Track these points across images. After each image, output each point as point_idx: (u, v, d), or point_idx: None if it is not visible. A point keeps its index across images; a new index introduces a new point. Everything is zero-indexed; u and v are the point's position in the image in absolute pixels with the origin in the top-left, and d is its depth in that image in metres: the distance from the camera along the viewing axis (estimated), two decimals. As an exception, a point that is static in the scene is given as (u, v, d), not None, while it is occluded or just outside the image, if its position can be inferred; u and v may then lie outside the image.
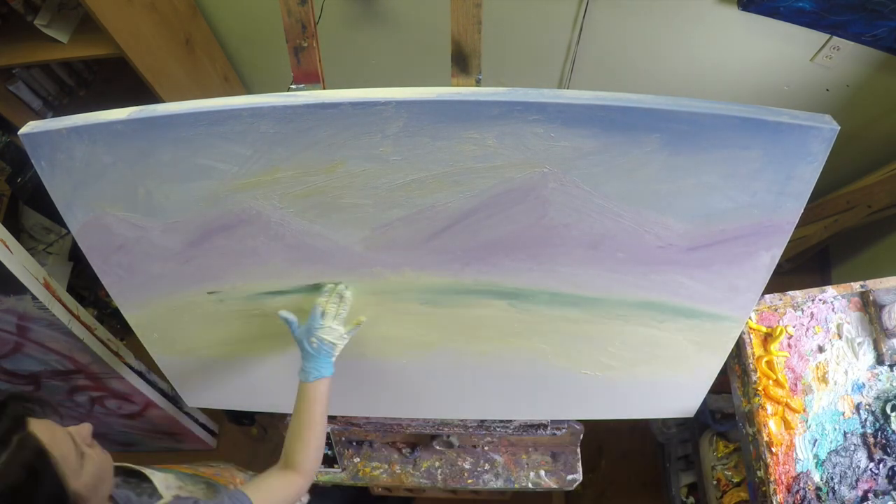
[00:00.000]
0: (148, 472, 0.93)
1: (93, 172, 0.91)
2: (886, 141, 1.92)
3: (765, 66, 1.80)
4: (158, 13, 1.71)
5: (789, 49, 1.72)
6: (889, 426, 1.24)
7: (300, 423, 1.01)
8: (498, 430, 1.47)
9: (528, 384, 1.23)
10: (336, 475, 1.54)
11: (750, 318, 1.29)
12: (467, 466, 1.54)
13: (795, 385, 1.26)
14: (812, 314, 1.31)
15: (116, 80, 2.04)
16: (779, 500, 1.18)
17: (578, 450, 1.53)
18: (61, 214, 0.98)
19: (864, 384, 1.28)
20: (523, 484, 1.51)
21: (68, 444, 0.73)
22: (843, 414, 1.26)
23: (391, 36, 1.96)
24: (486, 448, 1.55)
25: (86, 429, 0.78)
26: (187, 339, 1.20)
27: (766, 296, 1.31)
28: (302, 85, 0.97)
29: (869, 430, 1.25)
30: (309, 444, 1.00)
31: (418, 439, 1.54)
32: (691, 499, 1.84)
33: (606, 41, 1.84)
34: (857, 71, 1.74)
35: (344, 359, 1.21)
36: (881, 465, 1.23)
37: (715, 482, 1.65)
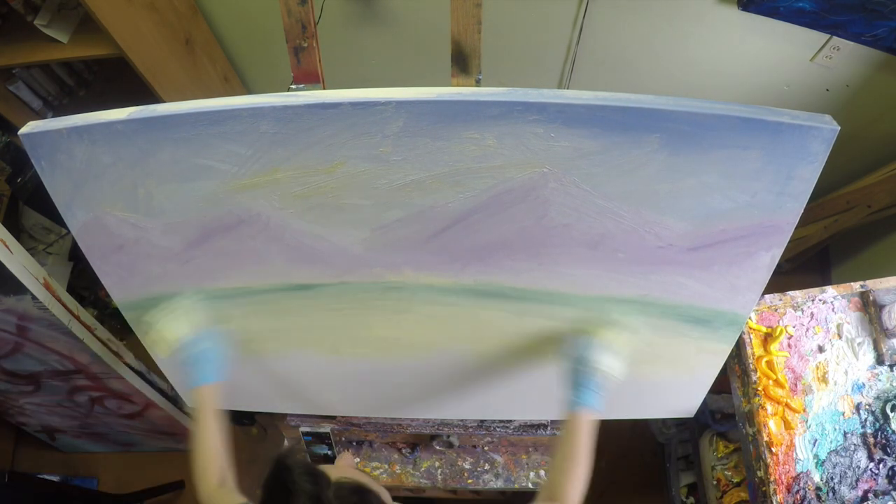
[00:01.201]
0: None
1: (93, 172, 0.91)
2: (886, 141, 1.92)
3: (765, 66, 1.80)
4: (158, 13, 1.71)
5: (789, 49, 1.72)
6: (889, 426, 1.24)
7: (568, 454, 0.94)
8: (498, 430, 1.47)
9: (529, 384, 1.23)
10: (336, 475, 1.54)
11: (750, 318, 1.29)
12: (467, 466, 1.54)
13: (795, 385, 1.26)
14: (812, 314, 1.31)
15: (116, 80, 2.04)
16: (779, 500, 1.18)
17: (578, 450, 1.53)
18: (61, 214, 0.98)
19: (864, 384, 1.28)
20: (523, 484, 1.51)
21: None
22: (843, 414, 1.26)
23: (391, 36, 1.96)
24: (486, 448, 1.55)
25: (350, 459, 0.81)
26: (187, 340, 1.20)
27: (766, 296, 1.31)
28: (302, 85, 0.97)
29: (869, 430, 1.25)
30: (577, 477, 0.93)
31: (418, 439, 1.54)
32: (691, 499, 1.84)
33: (606, 41, 1.84)
34: (857, 71, 1.74)
35: (344, 359, 1.21)
36: (881, 465, 1.23)
37: (715, 482, 1.65)
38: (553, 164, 0.85)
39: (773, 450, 1.21)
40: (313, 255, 1.01)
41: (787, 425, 1.23)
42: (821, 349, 1.29)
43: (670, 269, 0.98)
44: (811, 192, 0.86)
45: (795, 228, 0.91)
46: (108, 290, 1.10)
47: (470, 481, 1.52)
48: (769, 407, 1.24)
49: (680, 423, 1.93)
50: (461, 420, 1.48)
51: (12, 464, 2.31)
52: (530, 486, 1.51)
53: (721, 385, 1.28)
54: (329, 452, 1.49)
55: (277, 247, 1.00)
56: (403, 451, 1.56)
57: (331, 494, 0.70)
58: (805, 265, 2.31)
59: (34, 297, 1.32)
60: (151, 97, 1.78)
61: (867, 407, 1.26)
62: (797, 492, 1.19)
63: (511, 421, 1.47)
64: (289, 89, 0.95)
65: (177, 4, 1.80)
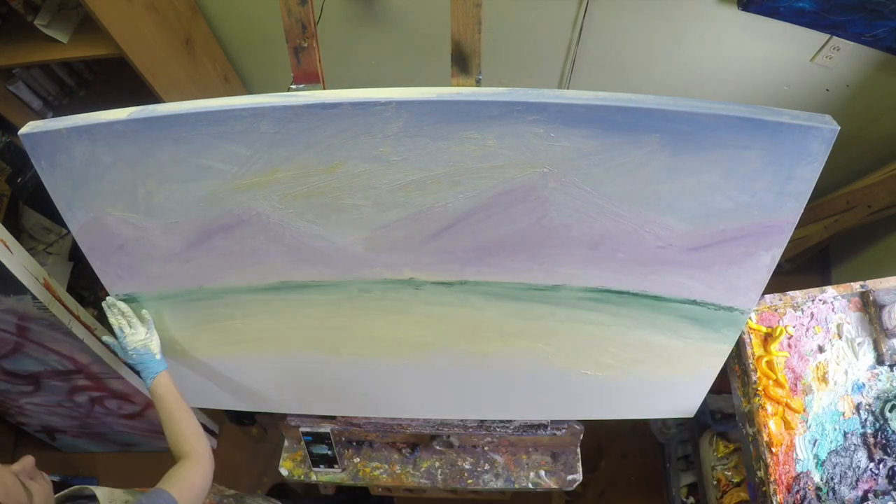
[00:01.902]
0: (95, 489, 0.95)
1: (93, 172, 0.91)
2: (886, 141, 1.92)
3: (765, 66, 1.80)
4: (158, 13, 1.71)
5: (789, 49, 1.72)
6: (889, 426, 1.24)
7: (165, 419, 1.07)
8: (498, 430, 1.47)
9: (528, 384, 1.23)
10: (336, 475, 1.54)
11: (750, 318, 1.29)
12: (467, 466, 1.54)
13: (795, 385, 1.26)
14: (812, 314, 1.31)
15: (116, 80, 2.04)
16: (779, 500, 1.18)
17: (578, 450, 1.53)
18: (61, 214, 0.98)
19: (864, 384, 1.28)
20: (523, 484, 1.51)
21: (16, 486, 0.77)
22: (843, 414, 1.26)
23: (391, 36, 1.96)
24: (486, 448, 1.55)
25: (29, 462, 0.83)
26: (187, 339, 1.20)
27: (766, 296, 1.31)
28: (302, 85, 0.97)
29: (869, 430, 1.25)
30: (184, 433, 1.05)
31: (418, 439, 1.54)
32: (691, 499, 1.84)
33: (606, 41, 1.84)
34: (857, 71, 1.74)
35: (345, 359, 1.21)
36: (881, 465, 1.23)
37: (715, 482, 1.65)
38: (553, 164, 0.85)
39: (773, 450, 1.21)
40: (313, 254, 1.01)
41: (787, 425, 1.23)
42: (821, 349, 1.29)
43: (670, 269, 0.98)
44: (811, 192, 0.86)
45: (795, 228, 0.91)
46: (108, 291, 1.10)
47: (470, 481, 1.52)
48: (769, 407, 1.24)
49: (680, 423, 1.93)
50: (461, 420, 1.48)
51: (12, 464, 2.30)
52: (530, 486, 1.51)
53: (721, 385, 1.28)
54: (329, 452, 1.49)
55: (277, 247, 1.00)
56: (403, 451, 1.56)
57: None
58: (805, 265, 2.31)
59: (34, 297, 1.32)
60: (151, 97, 1.78)
61: (867, 407, 1.26)
62: (797, 492, 1.19)
63: (511, 421, 1.47)
64: (289, 89, 0.95)
65: (177, 4, 1.80)
